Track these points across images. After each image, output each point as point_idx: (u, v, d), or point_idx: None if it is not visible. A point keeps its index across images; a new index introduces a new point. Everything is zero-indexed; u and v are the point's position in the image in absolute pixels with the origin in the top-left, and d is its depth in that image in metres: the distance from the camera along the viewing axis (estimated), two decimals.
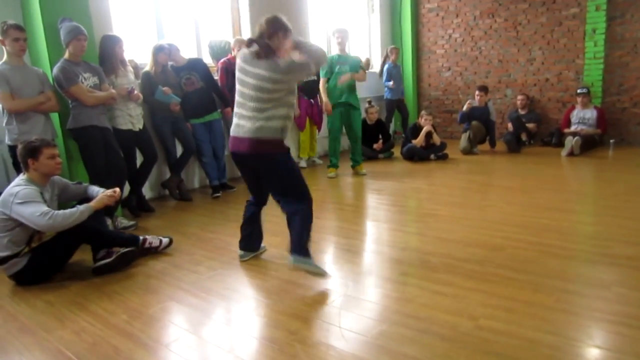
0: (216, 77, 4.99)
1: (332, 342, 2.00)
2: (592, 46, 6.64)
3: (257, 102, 2.50)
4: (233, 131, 2.61)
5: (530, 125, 6.90)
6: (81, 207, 2.75)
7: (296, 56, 2.55)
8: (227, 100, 4.82)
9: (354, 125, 5.39)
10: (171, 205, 4.59)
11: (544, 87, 7.20)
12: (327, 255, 3.13)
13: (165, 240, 3.28)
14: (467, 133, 6.48)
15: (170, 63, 4.60)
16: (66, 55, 3.55)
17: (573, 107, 6.61)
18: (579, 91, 6.49)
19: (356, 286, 2.59)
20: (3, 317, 2.41)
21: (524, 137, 6.75)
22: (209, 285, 2.66)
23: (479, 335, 1.98)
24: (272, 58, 2.49)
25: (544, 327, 2.01)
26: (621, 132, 6.66)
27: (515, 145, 6.45)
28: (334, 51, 5.46)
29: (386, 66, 7.40)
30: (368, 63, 7.92)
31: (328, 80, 5.24)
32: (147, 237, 3.18)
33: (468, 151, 6.47)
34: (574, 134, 6.18)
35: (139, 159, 4.30)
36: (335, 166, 5.49)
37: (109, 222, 3.66)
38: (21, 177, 2.81)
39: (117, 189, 3.02)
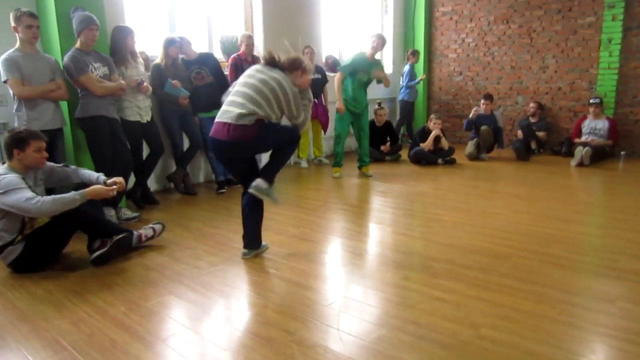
0: (226, 72, 4.97)
1: (329, 345, 1.98)
2: (607, 56, 6.56)
3: (253, 94, 2.64)
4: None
5: (540, 134, 6.83)
6: (74, 194, 2.71)
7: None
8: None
9: (362, 125, 5.35)
10: (176, 199, 4.59)
11: (556, 96, 7.13)
12: (329, 256, 3.11)
13: (157, 227, 3.28)
14: (475, 140, 6.44)
15: (181, 56, 4.60)
16: (77, 45, 3.56)
17: (585, 117, 6.54)
18: (591, 101, 6.41)
19: (357, 289, 2.56)
20: (2, 305, 2.42)
21: (533, 145, 6.68)
22: (209, 281, 2.64)
23: (479, 344, 1.95)
24: (289, 76, 2.77)
25: (546, 340, 1.97)
26: (633, 145, 6.57)
27: (524, 153, 6.39)
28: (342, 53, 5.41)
29: (407, 67, 7.36)
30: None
31: (344, 78, 5.18)
32: (141, 232, 3.15)
33: (474, 157, 6.43)
34: (584, 144, 6.10)
35: (146, 151, 4.30)
36: (339, 165, 5.46)
37: (112, 212, 3.67)
38: (2, 167, 2.76)
39: (119, 180, 2.99)
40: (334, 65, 6.56)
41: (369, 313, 2.26)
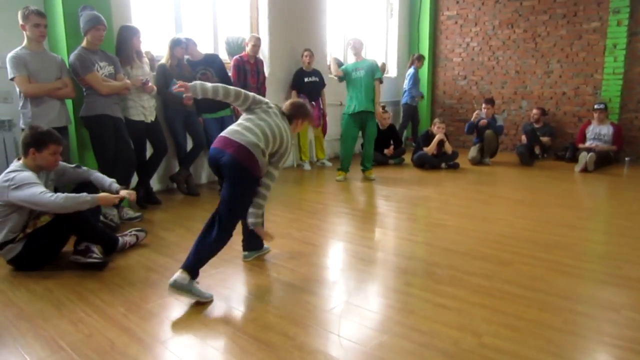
0: (230, 73, 4.97)
1: (330, 351, 1.96)
2: (612, 61, 6.54)
3: (269, 135, 2.56)
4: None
5: (544, 139, 6.81)
6: (87, 196, 2.71)
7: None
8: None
9: (368, 130, 5.33)
10: (178, 199, 4.58)
11: (561, 101, 7.10)
12: (330, 260, 3.09)
13: (140, 235, 3.26)
14: (478, 144, 6.43)
15: (186, 57, 4.60)
16: (84, 44, 3.56)
17: (589, 122, 6.51)
18: (596, 106, 6.38)
19: (358, 294, 2.54)
20: (2, 302, 2.41)
21: (537, 150, 6.66)
22: (210, 283, 2.63)
23: (481, 353, 1.92)
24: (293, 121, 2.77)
25: (549, 349, 1.95)
26: (637, 150, 6.54)
27: (528, 158, 6.36)
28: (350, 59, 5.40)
29: (412, 71, 7.35)
30: (384, 68, 7.90)
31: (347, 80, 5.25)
32: (126, 239, 3.13)
33: (477, 161, 6.41)
34: (588, 150, 6.08)
35: (149, 151, 4.29)
36: (345, 170, 5.45)
37: (114, 212, 3.66)
38: (17, 163, 2.78)
39: (132, 193, 2.99)
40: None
41: (370, 319, 2.24)
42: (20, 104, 3.38)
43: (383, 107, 6.52)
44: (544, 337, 2.04)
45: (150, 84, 4.03)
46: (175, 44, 4.37)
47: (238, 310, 2.37)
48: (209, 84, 2.62)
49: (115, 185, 3.04)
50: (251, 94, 2.70)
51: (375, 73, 5.16)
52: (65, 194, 2.65)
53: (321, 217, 4.02)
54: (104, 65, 3.63)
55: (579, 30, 6.77)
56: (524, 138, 6.74)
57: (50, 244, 2.81)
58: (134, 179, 4.18)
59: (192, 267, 2.41)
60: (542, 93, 7.23)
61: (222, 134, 2.56)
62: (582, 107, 6.92)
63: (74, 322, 2.19)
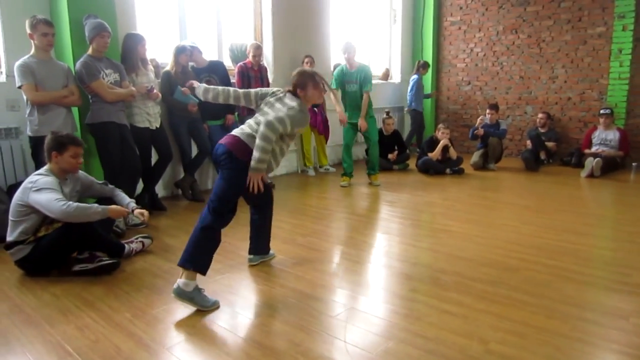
0: (233, 80, 5.00)
1: (335, 357, 1.95)
2: (617, 66, 6.52)
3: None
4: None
5: (549, 144, 6.78)
6: (98, 207, 2.74)
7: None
8: (232, 107, 4.83)
9: (367, 134, 5.33)
10: (183, 205, 4.59)
11: (566, 106, 7.08)
12: (335, 266, 3.09)
13: (147, 242, 3.29)
14: (481, 150, 6.43)
15: (191, 64, 4.63)
16: (89, 51, 3.60)
17: (595, 128, 6.48)
18: (601, 112, 6.35)
19: (364, 300, 2.54)
20: (9, 308, 2.42)
21: (542, 155, 6.63)
22: (215, 289, 2.63)
23: None
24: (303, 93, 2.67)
25: (556, 356, 1.94)
26: None
27: (533, 164, 6.34)
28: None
29: (415, 78, 7.36)
30: (387, 73, 7.92)
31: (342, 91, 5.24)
32: (132, 246, 3.16)
33: (480, 166, 6.39)
34: (594, 155, 6.05)
35: (154, 157, 4.31)
36: (348, 175, 5.45)
37: (120, 218, 3.67)
38: (44, 168, 2.88)
39: (146, 213, 3.02)
40: None
41: (375, 325, 2.24)
42: (27, 111, 3.41)
43: (387, 113, 6.53)
44: (552, 345, 2.02)
45: (155, 90, 4.06)
46: (180, 51, 4.40)
47: (243, 316, 2.37)
48: (218, 88, 2.71)
49: (132, 205, 3.08)
50: (253, 90, 2.75)
51: (365, 85, 5.13)
52: (77, 204, 2.69)
53: (326, 223, 4.02)
54: (109, 73, 3.66)
55: (584, 36, 6.76)
56: (529, 143, 6.72)
57: (57, 250, 2.83)
58: (140, 186, 4.20)
59: (190, 260, 2.40)
60: (547, 98, 7.22)
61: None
62: (588, 113, 6.90)
63: (80, 328, 2.20)
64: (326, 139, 6.28)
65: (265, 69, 5.31)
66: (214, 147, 4.61)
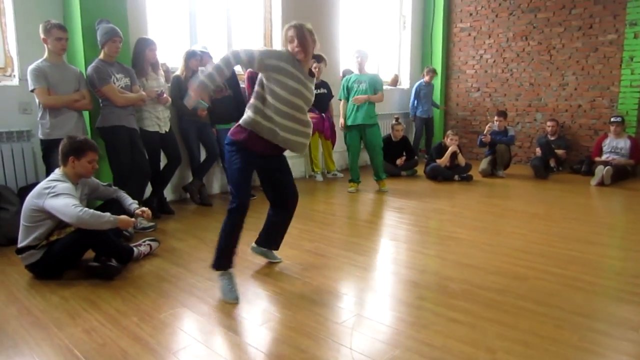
0: (243, 85, 5.02)
1: None
2: (629, 74, 6.46)
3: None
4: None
5: (559, 152, 6.73)
6: (110, 217, 2.76)
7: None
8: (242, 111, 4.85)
9: (369, 143, 5.31)
10: (191, 209, 4.61)
11: (576, 114, 7.03)
12: (342, 272, 3.08)
13: (154, 244, 3.31)
14: (489, 157, 6.40)
15: (201, 69, 4.65)
16: (101, 56, 3.64)
17: (605, 136, 6.42)
18: (612, 119, 6.30)
19: (370, 307, 2.53)
20: (18, 310, 2.44)
21: (552, 163, 6.58)
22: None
23: None
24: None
25: None
26: None
27: (542, 171, 6.29)
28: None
29: (416, 84, 7.39)
30: (396, 79, 7.92)
31: (347, 100, 5.26)
32: (140, 249, 3.18)
33: (488, 173, 6.36)
34: (605, 163, 5.99)
35: (163, 161, 4.34)
36: (355, 181, 5.45)
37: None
38: (58, 172, 2.89)
39: (147, 211, 3.06)
40: None
41: (382, 332, 2.22)
42: (39, 114, 3.46)
43: (397, 119, 6.52)
44: (560, 355, 2.00)
45: (165, 95, 4.09)
46: (190, 55, 4.43)
47: (249, 321, 2.37)
48: (209, 69, 2.58)
49: (134, 206, 3.11)
50: (256, 52, 2.56)
51: (376, 87, 5.19)
52: (92, 211, 2.71)
53: (333, 229, 4.02)
54: (120, 77, 3.70)
55: (595, 43, 6.72)
56: (538, 151, 6.67)
57: (68, 255, 2.85)
58: (148, 189, 4.23)
59: (217, 258, 2.62)
60: (557, 106, 7.17)
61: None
62: (598, 120, 6.84)
63: (88, 331, 2.21)
64: (333, 144, 6.29)
65: None
66: (222, 151, 4.70)
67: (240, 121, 2.63)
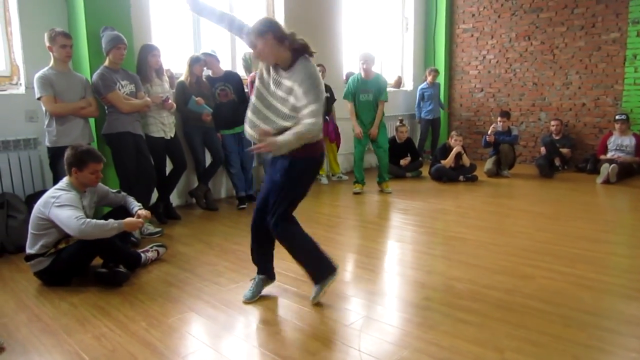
0: (246, 90, 5.04)
1: None
2: (632, 72, 6.44)
3: None
4: None
5: (564, 150, 6.71)
6: (114, 223, 2.78)
7: None
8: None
9: (378, 142, 5.35)
10: (197, 214, 4.63)
11: (580, 112, 7.01)
12: (348, 274, 3.08)
13: (161, 250, 3.33)
14: (494, 157, 6.39)
15: (207, 73, 4.71)
16: (106, 63, 3.67)
17: (610, 134, 6.40)
18: (617, 117, 6.27)
19: (378, 308, 2.53)
20: (28, 317, 2.46)
21: (557, 162, 6.56)
22: (230, 298, 2.65)
23: None
24: None
25: None
26: None
27: (547, 170, 6.27)
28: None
29: (420, 86, 7.41)
30: (399, 81, 7.93)
31: (354, 103, 5.28)
32: (148, 255, 3.20)
33: (493, 173, 6.35)
34: (610, 161, 5.96)
35: (169, 167, 4.37)
36: (361, 182, 5.46)
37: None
38: (64, 181, 2.91)
39: (146, 214, 3.07)
40: None
41: (390, 334, 2.23)
42: (46, 122, 3.49)
43: (400, 121, 6.53)
44: (569, 353, 2.00)
45: (170, 101, 4.12)
46: (194, 61, 4.46)
47: (258, 324, 2.38)
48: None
49: (136, 209, 3.12)
50: (245, 24, 2.49)
51: (381, 95, 5.21)
52: (95, 222, 2.73)
53: (339, 231, 4.02)
54: (125, 84, 3.73)
55: (598, 42, 6.70)
56: (543, 150, 6.66)
57: (74, 264, 2.87)
58: (154, 195, 4.25)
59: (314, 274, 2.52)
60: (561, 105, 7.15)
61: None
62: (603, 119, 6.82)
63: (97, 337, 2.22)
64: (337, 147, 6.30)
65: None
66: (227, 156, 4.73)
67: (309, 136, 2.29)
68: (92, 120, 3.78)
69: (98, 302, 2.61)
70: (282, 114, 2.32)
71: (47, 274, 2.83)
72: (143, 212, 3.06)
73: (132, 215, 3.07)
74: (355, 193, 5.41)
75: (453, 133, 6.24)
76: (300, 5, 5.91)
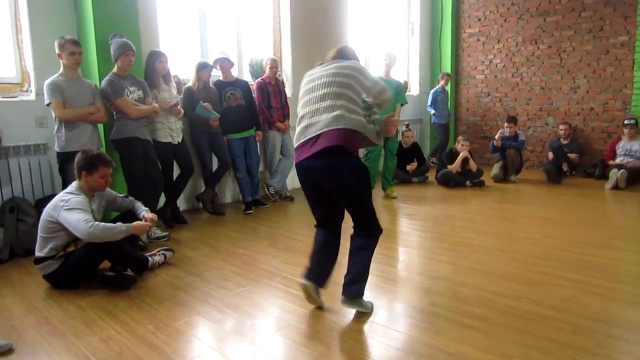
0: (254, 95, 5.07)
1: None
2: None
3: None
4: None
5: (572, 155, 6.67)
6: (122, 226, 2.81)
7: None
8: (258, 122, 4.97)
9: (389, 146, 5.36)
10: (204, 219, 4.65)
11: (588, 117, 6.97)
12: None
13: (168, 254, 3.35)
14: (501, 162, 6.37)
15: (216, 77, 4.75)
16: (115, 69, 3.71)
17: (619, 138, 6.35)
18: (626, 122, 6.23)
19: (384, 314, 2.53)
20: (37, 319, 2.49)
21: (565, 167, 6.52)
22: (236, 302, 2.66)
23: None
24: None
25: None
26: None
27: (555, 175, 6.23)
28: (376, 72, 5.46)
29: (432, 90, 7.41)
30: (406, 86, 7.92)
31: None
32: (155, 258, 3.21)
33: (500, 179, 6.32)
34: (619, 166, 5.91)
35: (176, 171, 4.40)
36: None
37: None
38: (74, 185, 2.94)
39: (151, 218, 3.10)
40: None
41: (396, 339, 2.22)
42: (55, 128, 3.53)
43: (407, 126, 6.53)
44: None
45: (178, 106, 4.15)
46: (202, 67, 4.51)
47: (263, 329, 2.38)
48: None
49: (143, 212, 3.16)
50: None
51: (399, 97, 5.25)
52: (103, 225, 2.76)
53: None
54: (133, 90, 3.77)
55: (606, 45, 6.67)
56: (550, 155, 6.62)
57: (84, 266, 2.90)
58: (162, 199, 4.28)
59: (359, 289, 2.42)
60: (569, 109, 7.12)
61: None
62: (611, 123, 6.77)
63: (104, 340, 2.24)
64: None
65: (283, 82, 5.39)
66: (234, 160, 4.75)
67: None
68: (100, 126, 3.82)
69: (105, 305, 2.63)
70: None
71: (56, 276, 2.86)
72: (149, 214, 3.09)
73: (139, 220, 3.09)
74: None
75: (460, 138, 6.23)
76: (306, 11, 5.94)
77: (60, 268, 2.84)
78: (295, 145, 2.38)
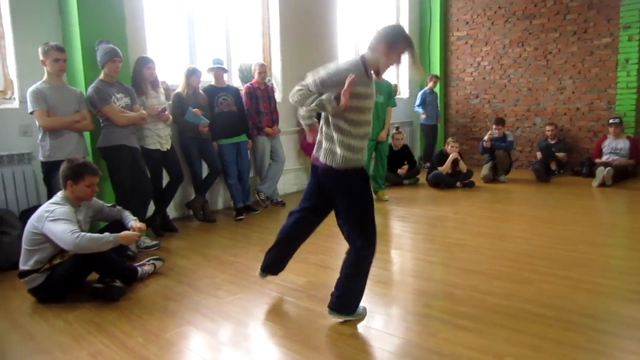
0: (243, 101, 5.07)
1: None
2: (625, 76, 6.50)
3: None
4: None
5: (560, 155, 6.74)
6: (109, 237, 2.76)
7: None
8: (248, 129, 4.97)
9: (380, 150, 5.38)
10: (194, 226, 4.61)
11: (575, 117, 7.05)
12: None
13: (158, 264, 3.30)
14: (490, 163, 6.41)
15: (211, 83, 4.75)
16: (101, 76, 3.67)
17: (605, 137, 6.44)
18: (611, 121, 6.33)
19: (377, 317, 2.51)
20: (21, 336, 2.42)
21: (553, 166, 6.59)
22: (228, 311, 2.63)
23: None
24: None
25: None
26: None
27: (544, 175, 6.29)
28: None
29: (420, 91, 7.46)
30: (395, 89, 7.95)
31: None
32: (145, 268, 3.16)
33: (490, 179, 6.37)
34: (605, 164, 5.99)
35: (165, 179, 4.36)
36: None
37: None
38: (59, 195, 2.88)
39: (140, 227, 3.06)
40: None
41: (390, 343, 2.21)
42: (39, 136, 3.46)
43: (397, 128, 6.55)
44: (569, 357, 1.99)
45: (166, 112, 4.12)
46: (191, 73, 4.48)
47: (256, 337, 2.36)
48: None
49: (132, 223, 3.10)
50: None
51: (390, 100, 5.30)
52: (89, 235, 2.70)
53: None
54: (120, 97, 3.73)
55: (590, 47, 6.77)
56: (539, 154, 6.69)
57: (71, 279, 2.83)
58: (151, 207, 4.23)
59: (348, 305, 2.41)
60: (556, 109, 7.20)
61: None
62: (597, 122, 6.86)
63: (93, 355, 2.19)
64: None
65: (272, 88, 5.38)
66: (224, 166, 4.73)
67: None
68: (87, 134, 3.77)
69: (94, 318, 2.58)
70: None
71: (42, 290, 2.79)
72: (137, 224, 3.05)
73: (128, 230, 3.04)
74: None
75: (449, 139, 6.26)
76: (295, 15, 5.94)
77: (46, 281, 2.76)
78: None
